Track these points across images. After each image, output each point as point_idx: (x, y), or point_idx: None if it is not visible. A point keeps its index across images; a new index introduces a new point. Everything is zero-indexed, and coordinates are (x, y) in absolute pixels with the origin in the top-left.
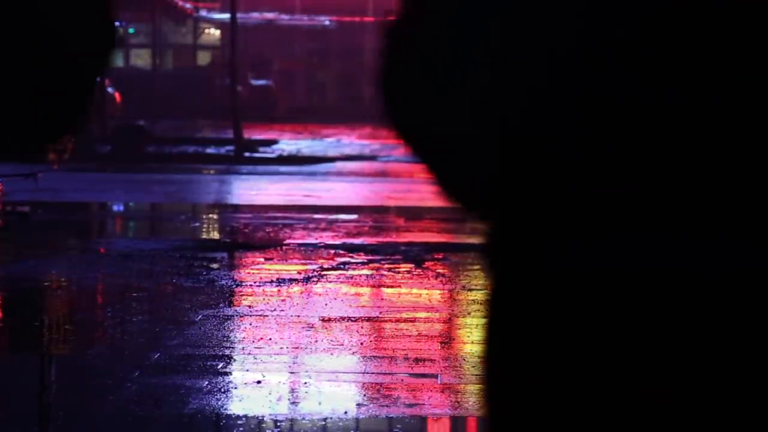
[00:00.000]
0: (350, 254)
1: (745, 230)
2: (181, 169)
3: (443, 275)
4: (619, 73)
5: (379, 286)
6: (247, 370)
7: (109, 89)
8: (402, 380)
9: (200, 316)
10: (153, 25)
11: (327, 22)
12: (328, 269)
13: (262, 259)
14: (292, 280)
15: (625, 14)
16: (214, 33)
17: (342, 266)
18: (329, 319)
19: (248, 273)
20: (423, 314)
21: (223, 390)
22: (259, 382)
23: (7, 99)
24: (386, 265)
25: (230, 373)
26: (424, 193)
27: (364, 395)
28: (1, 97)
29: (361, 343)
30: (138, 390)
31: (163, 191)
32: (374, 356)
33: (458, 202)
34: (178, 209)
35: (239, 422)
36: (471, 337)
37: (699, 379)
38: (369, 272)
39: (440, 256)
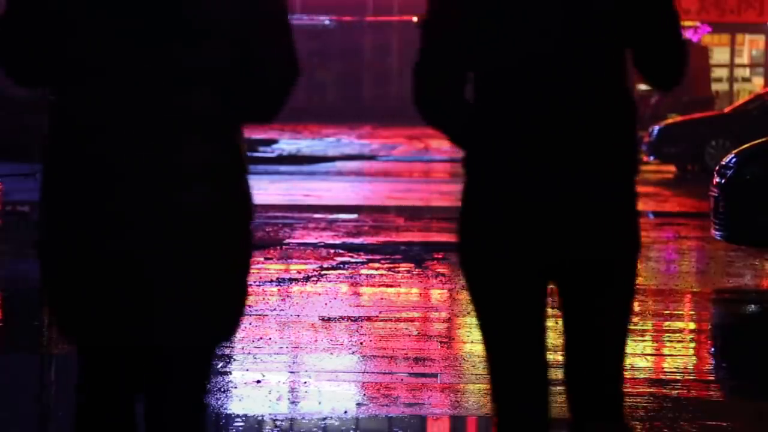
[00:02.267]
0: (350, 254)
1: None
2: None
3: (443, 275)
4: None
5: (379, 285)
6: (247, 370)
7: None
8: (402, 380)
9: None
10: None
11: (327, 22)
12: (328, 269)
13: (262, 259)
14: (292, 280)
15: None
16: None
17: (342, 266)
18: (329, 319)
19: None
20: (423, 314)
21: (222, 389)
22: (258, 381)
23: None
24: (386, 265)
25: (230, 372)
26: (423, 192)
27: (364, 395)
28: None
29: (361, 343)
30: None
31: None
32: (374, 356)
33: (451, 139)
34: None
35: (239, 421)
36: (471, 336)
37: None
38: (369, 272)
39: (440, 256)
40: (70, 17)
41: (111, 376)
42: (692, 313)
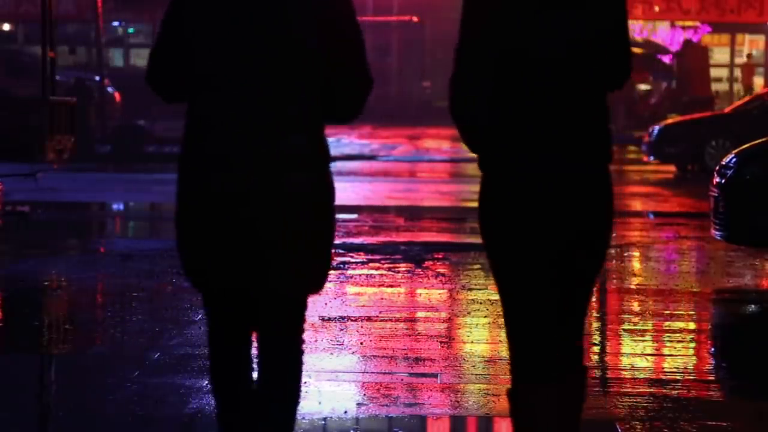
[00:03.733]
0: (350, 254)
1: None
2: None
3: (443, 275)
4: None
5: (379, 285)
6: None
7: (109, 89)
8: (402, 380)
9: (200, 316)
10: (153, 25)
11: None
12: None
13: None
14: None
15: None
16: None
17: (341, 266)
18: (329, 319)
19: None
20: (423, 314)
21: None
22: None
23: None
24: (386, 265)
25: None
26: (423, 192)
27: (364, 395)
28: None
29: (361, 343)
30: (138, 390)
31: (163, 191)
32: (374, 356)
33: (469, 145)
34: None
35: None
36: (471, 336)
37: None
38: (369, 272)
39: (440, 256)
40: (201, 45)
41: (231, 315)
42: (692, 313)
